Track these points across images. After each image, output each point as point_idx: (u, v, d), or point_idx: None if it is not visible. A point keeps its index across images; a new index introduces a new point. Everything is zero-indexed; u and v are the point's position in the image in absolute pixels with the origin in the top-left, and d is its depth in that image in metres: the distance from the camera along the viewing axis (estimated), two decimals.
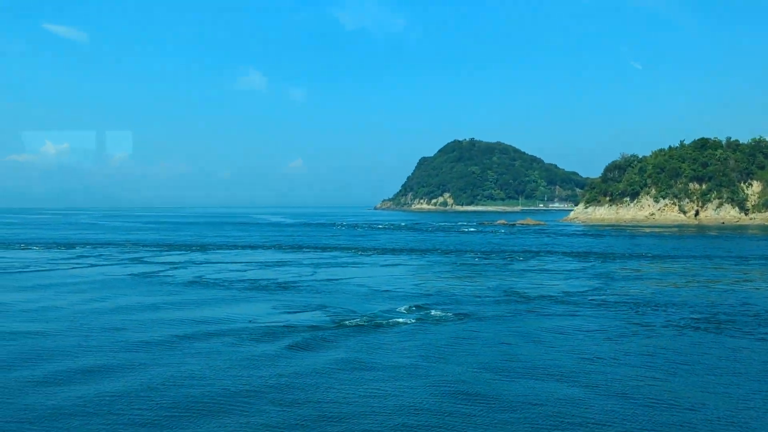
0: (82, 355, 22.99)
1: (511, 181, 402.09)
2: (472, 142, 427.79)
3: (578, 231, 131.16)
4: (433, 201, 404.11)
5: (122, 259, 62.92)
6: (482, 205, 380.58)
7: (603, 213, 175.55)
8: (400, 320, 29.63)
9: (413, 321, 29.54)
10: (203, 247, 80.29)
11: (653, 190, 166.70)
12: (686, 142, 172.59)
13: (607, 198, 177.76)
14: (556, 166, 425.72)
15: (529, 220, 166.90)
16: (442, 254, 69.61)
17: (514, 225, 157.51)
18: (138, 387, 19.19)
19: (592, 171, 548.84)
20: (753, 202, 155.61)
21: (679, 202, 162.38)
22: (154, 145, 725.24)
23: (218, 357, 22.92)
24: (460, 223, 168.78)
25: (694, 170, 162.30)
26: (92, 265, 56.99)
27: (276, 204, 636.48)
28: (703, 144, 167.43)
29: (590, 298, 37.07)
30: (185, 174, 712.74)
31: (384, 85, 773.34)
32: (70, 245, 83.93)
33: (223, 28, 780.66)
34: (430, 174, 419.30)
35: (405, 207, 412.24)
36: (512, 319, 30.19)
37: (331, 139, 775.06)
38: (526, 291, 39.68)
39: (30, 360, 22.24)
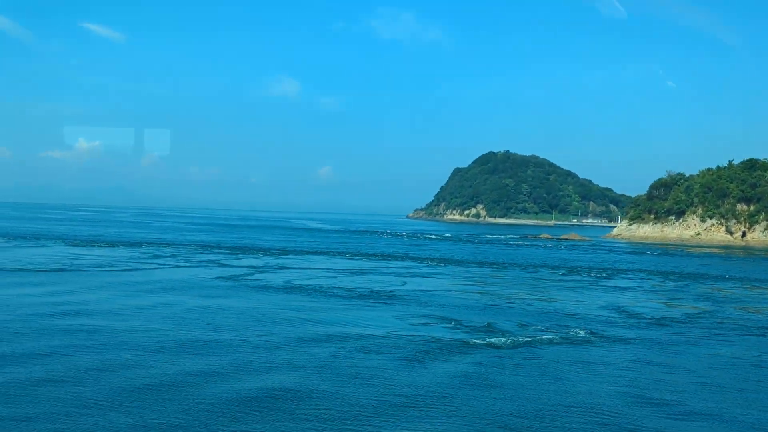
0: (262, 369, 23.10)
1: (545, 195, 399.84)
2: (507, 155, 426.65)
3: (631, 248, 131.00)
4: (466, 212, 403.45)
5: (200, 261, 63.90)
6: (515, 218, 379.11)
7: (647, 231, 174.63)
8: (545, 337, 29.13)
9: (560, 340, 28.78)
10: (268, 251, 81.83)
11: (700, 209, 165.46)
12: (733, 162, 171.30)
13: (652, 216, 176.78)
14: (590, 181, 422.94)
15: (574, 235, 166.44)
16: (519, 268, 69.55)
17: (559, 239, 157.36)
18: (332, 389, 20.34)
19: (626, 188, 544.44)
20: None
21: (726, 222, 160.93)
22: (185, 147, 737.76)
23: (417, 371, 22.66)
24: (505, 236, 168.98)
25: (743, 191, 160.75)
26: (177, 266, 58.38)
27: (305, 210, 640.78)
28: (752, 165, 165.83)
29: (717, 321, 36.12)
30: (215, 176, 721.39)
31: (418, 95, 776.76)
32: (135, 244, 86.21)
33: (259, 35, 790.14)
34: (463, 185, 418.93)
35: (437, 217, 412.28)
36: (663, 345, 28.77)
37: (361, 148, 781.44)
38: (642, 312, 38.73)
39: (215, 374, 21.39)
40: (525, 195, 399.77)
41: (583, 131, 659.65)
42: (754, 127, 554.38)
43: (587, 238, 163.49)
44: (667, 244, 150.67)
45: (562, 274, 64.26)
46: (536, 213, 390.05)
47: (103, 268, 54.21)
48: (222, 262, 64.65)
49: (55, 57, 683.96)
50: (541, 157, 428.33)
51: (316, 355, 24.30)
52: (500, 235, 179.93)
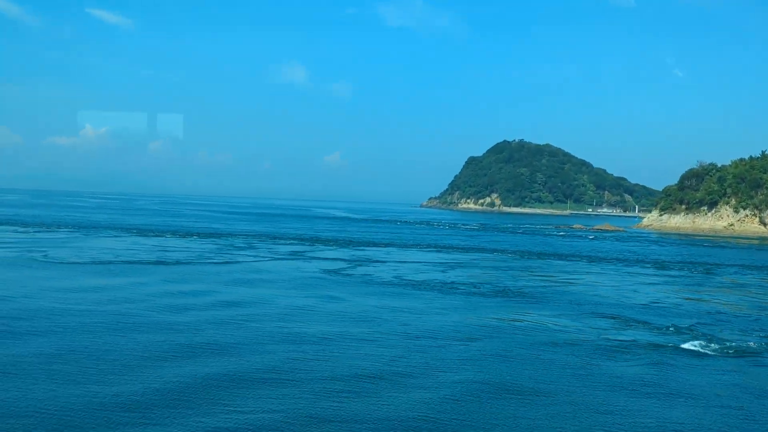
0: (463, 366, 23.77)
1: (559, 184, 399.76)
2: (521, 144, 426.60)
3: (679, 240, 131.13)
4: (480, 201, 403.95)
5: (286, 253, 63.02)
6: (530, 207, 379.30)
7: (678, 221, 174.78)
8: (750, 344, 27.03)
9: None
10: (337, 242, 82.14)
11: (733, 200, 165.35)
12: (766, 153, 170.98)
13: (683, 206, 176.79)
14: (605, 171, 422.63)
15: (608, 226, 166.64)
16: (605, 262, 67.91)
17: (593, 230, 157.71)
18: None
19: (641, 178, 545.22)
20: None
21: (760, 213, 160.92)
22: (196, 134, 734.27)
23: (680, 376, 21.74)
24: (535, 226, 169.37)
25: None
26: (273, 259, 57.96)
27: (313, 197, 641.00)
28: None
29: None
30: (226, 163, 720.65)
31: (429, 82, 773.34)
32: (198, 234, 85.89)
33: (268, 20, 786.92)
34: (477, 174, 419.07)
35: (451, 206, 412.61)
36: None
37: (371, 135, 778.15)
38: None
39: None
40: (540, 184, 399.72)
41: (597, 120, 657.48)
42: (753, 120, 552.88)
43: (621, 229, 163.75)
44: (701, 236, 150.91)
45: (657, 268, 63.38)
46: (551, 202, 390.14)
47: (207, 260, 53.88)
48: (306, 254, 63.64)
49: (64, 43, 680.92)
50: (555, 146, 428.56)
51: (562, 361, 23.40)
52: (529, 225, 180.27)
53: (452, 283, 45.36)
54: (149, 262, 50.78)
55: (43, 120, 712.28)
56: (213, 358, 21.84)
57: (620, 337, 27.95)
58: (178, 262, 51.54)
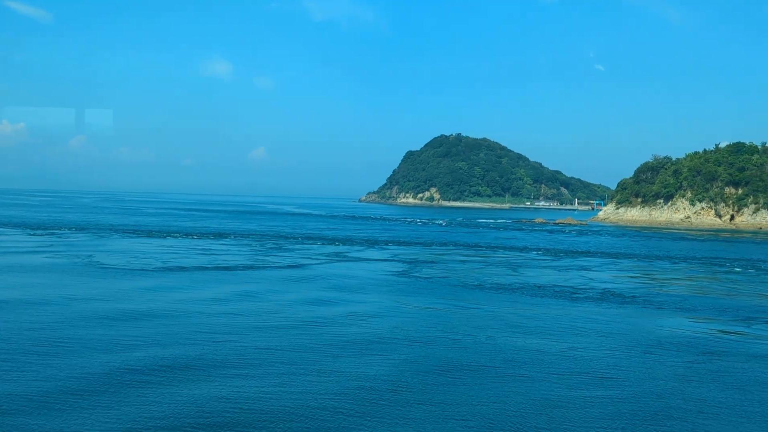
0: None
1: (497, 178, 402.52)
2: (459, 138, 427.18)
3: (639, 233, 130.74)
4: (419, 195, 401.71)
5: (327, 254, 62.54)
6: (469, 201, 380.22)
7: (635, 214, 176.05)
8: None
9: None
10: (353, 241, 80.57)
11: (689, 193, 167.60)
12: (719, 145, 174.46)
13: (639, 199, 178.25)
14: (541, 164, 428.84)
15: (570, 219, 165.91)
16: (632, 258, 67.27)
17: (557, 224, 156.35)
18: None
19: (576, 171, 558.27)
20: None
21: (715, 206, 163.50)
22: (119, 129, 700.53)
23: None
24: (496, 221, 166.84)
25: (730, 174, 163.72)
26: (329, 261, 56.33)
27: (243, 193, 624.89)
28: (738, 148, 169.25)
29: None
30: (147, 159, 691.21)
31: (357, 76, 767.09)
32: (197, 234, 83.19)
33: (190, 14, 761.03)
34: (416, 168, 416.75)
35: (390, 201, 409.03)
36: None
37: (298, 130, 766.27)
38: None
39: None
40: (478, 178, 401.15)
41: (530, 115, 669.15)
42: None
43: (584, 222, 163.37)
44: (657, 228, 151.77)
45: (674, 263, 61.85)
46: (489, 196, 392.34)
47: (269, 265, 52.06)
48: (348, 255, 63.29)
49: None
50: (492, 140, 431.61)
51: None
52: (489, 219, 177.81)
53: (521, 284, 41.40)
54: (215, 268, 47.73)
55: None
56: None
57: None
58: (246, 267, 49.31)
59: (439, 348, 23.99)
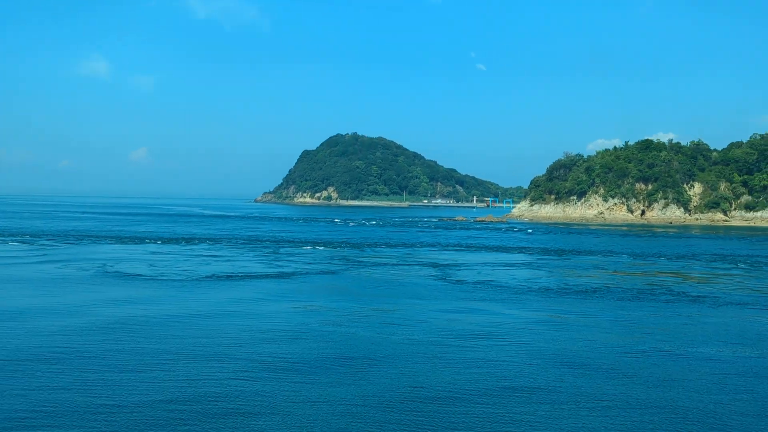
0: None
1: (395, 176, 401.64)
2: (355, 137, 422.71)
3: (568, 229, 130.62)
4: (317, 195, 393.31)
5: (338, 260, 59.79)
6: (367, 199, 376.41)
7: (550, 211, 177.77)
8: None
9: None
10: (359, 245, 76.90)
11: (602, 189, 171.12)
12: (629, 143, 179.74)
13: (553, 196, 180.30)
14: (436, 162, 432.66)
15: (491, 217, 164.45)
16: (631, 256, 64.56)
17: (476, 221, 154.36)
18: None
19: (469, 168, 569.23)
20: (695, 203, 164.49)
21: (627, 201, 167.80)
22: None
23: None
24: (426, 219, 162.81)
25: (641, 171, 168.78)
26: (350, 267, 53.50)
27: (126, 194, 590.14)
28: (647, 145, 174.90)
29: None
30: (18, 161, 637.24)
31: (242, 75, 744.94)
32: (176, 240, 78.80)
33: (65, 9, 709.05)
34: (313, 167, 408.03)
35: (287, 200, 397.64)
36: None
37: (182, 129, 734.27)
38: None
39: None
40: (375, 177, 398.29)
41: (423, 114, 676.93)
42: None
43: (504, 219, 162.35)
44: (572, 224, 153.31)
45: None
46: (387, 195, 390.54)
47: (309, 272, 48.39)
48: (354, 258, 59.74)
49: None
50: (388, 138, 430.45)
51: None
52: (413, 217, 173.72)
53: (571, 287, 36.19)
54: (234, 277, 45.07)
55: None
56: None
57: None
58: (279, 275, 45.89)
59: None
